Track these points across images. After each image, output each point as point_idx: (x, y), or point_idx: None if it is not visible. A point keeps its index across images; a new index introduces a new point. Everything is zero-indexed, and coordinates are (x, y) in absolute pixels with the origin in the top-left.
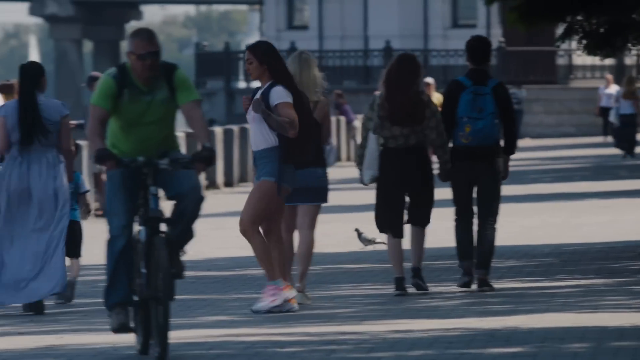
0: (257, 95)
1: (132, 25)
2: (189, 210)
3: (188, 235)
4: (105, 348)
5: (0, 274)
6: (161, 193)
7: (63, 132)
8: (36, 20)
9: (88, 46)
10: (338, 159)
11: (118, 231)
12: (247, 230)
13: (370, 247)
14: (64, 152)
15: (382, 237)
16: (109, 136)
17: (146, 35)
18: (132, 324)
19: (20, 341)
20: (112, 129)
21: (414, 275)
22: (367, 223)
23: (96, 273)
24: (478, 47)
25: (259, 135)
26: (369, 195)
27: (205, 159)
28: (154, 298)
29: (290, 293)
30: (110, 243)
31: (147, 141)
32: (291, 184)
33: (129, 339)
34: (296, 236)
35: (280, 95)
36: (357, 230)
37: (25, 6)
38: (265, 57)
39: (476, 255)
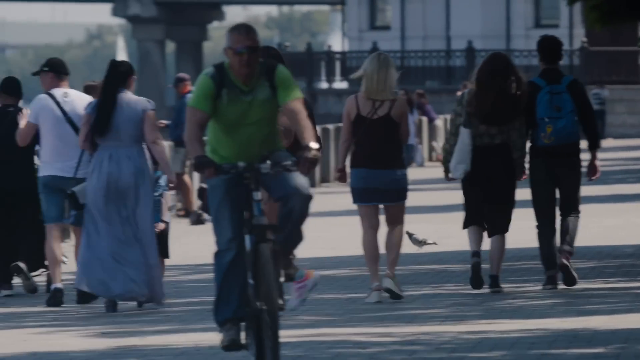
0: None
1: (214, 26)
2: (296, 211)
3: (297, 237)
4: (187, 348)
5: (91, 268)
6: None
7: (147, 126)
8: (119, 21)
9: (171, 47)
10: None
11: (225, 245)
12: None
13: (423, 249)
14: (149, 144)
15: (433, 238)
16: (209, 141)
17: (244, 30)
18: (244, 340)
19: (103, 342)
20: (212, 133)
21: (492, 283)
22: (448, 223)
23: (178, 273)
24: (549, 47)
25: None
26: (450, 196)
27: (309, 160)
28: (262, 309)
29: (315, 277)
30: (218, 256)
31: (249, 144)
32: None
33: (211, 338)
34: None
35: None
36: (407, 232)
37: (108, 7)
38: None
39: (560, 238)
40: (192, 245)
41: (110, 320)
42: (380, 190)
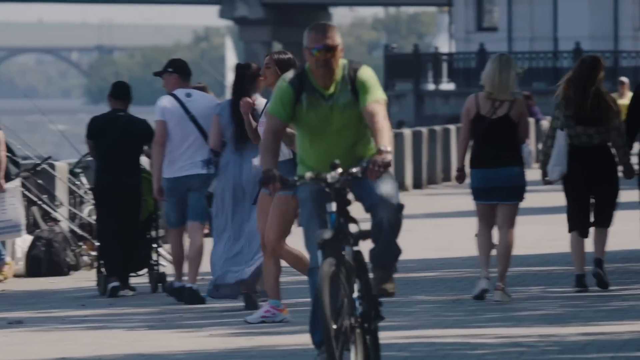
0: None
1: None
2: (384, 222)
3: (392, 250)
4: (295, 350)
5: (220, 267)
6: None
7: None
8: (226, 23)
9: (277, 48)
10: None
11: (316, 263)
12: (275, 248)
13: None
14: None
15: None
16: (298, 151)
17: (321, 28)
18: None
19: (209, 342)
20: (299, 142)
21: (596, 265)
22: (556, 225)
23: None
24: None
25: None
26: (558, 197)
27: (378, 164)
28: (357, 325)
29: (285, 316)
30: (311, 274)
31: (333, 152)
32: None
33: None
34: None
35: None
36: (476, 235)
37: (215, 9)
38: (283, 68)
39: None
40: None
41: (217, 322)
42: (499, 188)
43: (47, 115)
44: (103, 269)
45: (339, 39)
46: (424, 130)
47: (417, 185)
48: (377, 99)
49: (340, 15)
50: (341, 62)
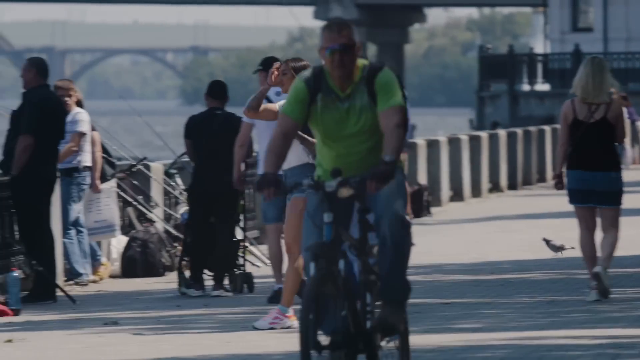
0: None
1: (415, 29)
2: (387, 240)
3: (399, 284)
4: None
5: None
6: None
7: None
8: (321, 24)
9: (372, 50)
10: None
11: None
12: (291, 248)
13: (559, 254)
14: None
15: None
16: (317, 153)
17: (335, 26)
18: None
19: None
20: (317, 144)
21: None
22: None
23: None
24: None
25: (291, 153)
26: None
27: (376, 176)
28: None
29: (293, 322)
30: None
31: (350, 156)
32: None
33: (446, 340)
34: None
35: None
36: (544, 239)
37: (310, 10)
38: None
39: None
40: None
41: None
42: (596, 192)
43: (143, 116)
44: (185, 271)
45: (355, 37)
46: (519, 131)
47: (512, 186)
48: (393, 104)
49: (434, 16)
50: (361, 62)
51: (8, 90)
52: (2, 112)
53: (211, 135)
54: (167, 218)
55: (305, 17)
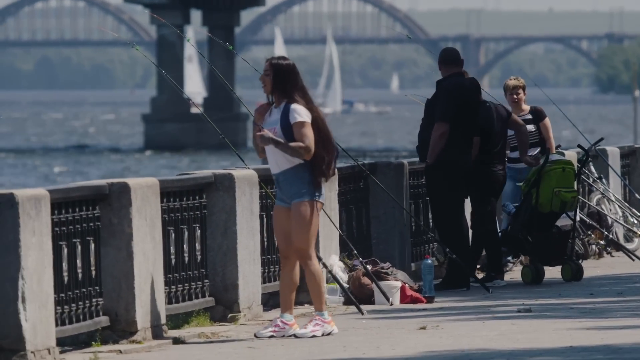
0: (275, 114)
1: None
2: None
3: None
4: None
5: None
6: None
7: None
8: None
9: None
10: None
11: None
12: (310, 258)
13: None
14: None
15: None
16: None
17: None
18: None
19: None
20: None
21: None
22: None
23: None
24: None
25: (281, 156)
26: None
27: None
28: None
29: (334, 328)
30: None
31: None
32: (323, 197)
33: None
34: None
35: (299, 113)
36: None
37: None
38: (281, 75)
39: None
40: None
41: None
42: None
43: (557, 105)
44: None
45: None
46: None
47: None
48: None
49: None
50: None
51: (423, 79)
52: (417, 100)
53: None
54: (581, 206)
55: None
